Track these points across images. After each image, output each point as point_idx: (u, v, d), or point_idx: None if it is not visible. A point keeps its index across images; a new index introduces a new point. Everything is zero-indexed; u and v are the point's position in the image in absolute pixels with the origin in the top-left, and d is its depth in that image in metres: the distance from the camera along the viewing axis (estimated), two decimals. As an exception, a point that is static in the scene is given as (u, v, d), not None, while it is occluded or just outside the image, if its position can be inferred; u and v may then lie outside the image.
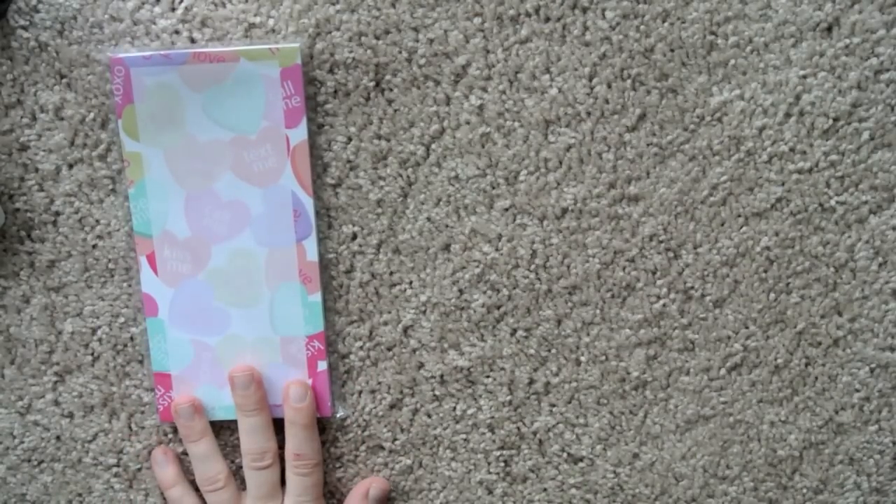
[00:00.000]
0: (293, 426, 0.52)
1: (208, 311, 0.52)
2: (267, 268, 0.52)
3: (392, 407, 0.55)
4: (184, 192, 0.51)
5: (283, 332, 0.53)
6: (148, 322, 0.53)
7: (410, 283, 0.53)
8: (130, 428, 0.55)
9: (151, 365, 0.53)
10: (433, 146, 0.51)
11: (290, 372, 0.53)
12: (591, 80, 0.51)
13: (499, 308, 0.53)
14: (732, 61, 0.50)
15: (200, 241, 0.52)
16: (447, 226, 0.52)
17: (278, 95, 0.50)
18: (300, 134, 0.50)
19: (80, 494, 0.56)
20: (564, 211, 0.52)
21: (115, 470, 0.56)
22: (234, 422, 0.54)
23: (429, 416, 0.55)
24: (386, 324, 0.54)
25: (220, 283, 0.52)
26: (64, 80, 0.51)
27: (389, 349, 0.54)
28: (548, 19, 0.50)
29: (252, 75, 0.49)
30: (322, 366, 0.53)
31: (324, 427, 0.55)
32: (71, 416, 0.55)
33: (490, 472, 0.56)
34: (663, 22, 0.50)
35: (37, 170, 0.52)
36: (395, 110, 0.51)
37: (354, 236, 0.52)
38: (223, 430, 0.55)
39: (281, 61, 0.49)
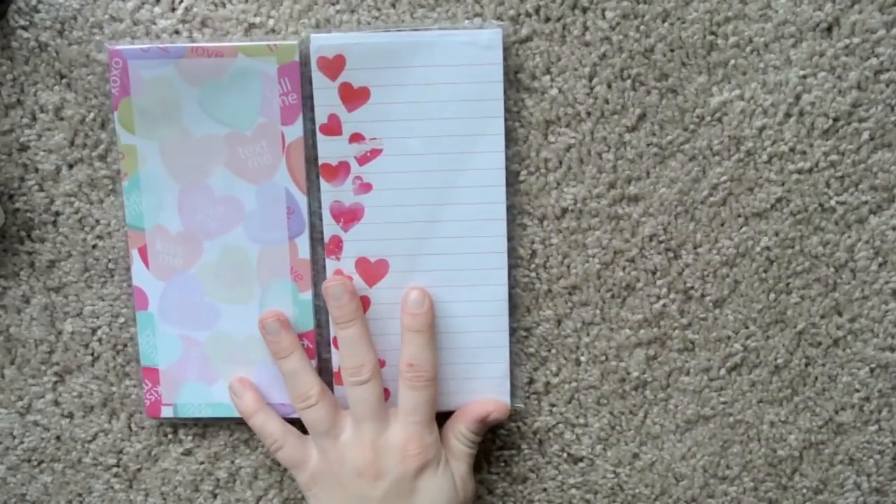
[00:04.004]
0: (409, 333, 0.50)
1: (198, 306, 0.52)
2: (258, 264, 0.52)
3: (392, 407, 0.55)
4: (177, 186, 0.51)
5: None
6: (137, 316, 0.53)
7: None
8: (130, 428, 0.55)
9: (140, 358, 0.53)
10: (433, 146, 0.51)
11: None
12: (591, 80, 0.51)
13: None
14: (732, 61, 0.50)
15: (192, 236, 0.52)
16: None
17: (275, 92, 0.50)
18: (296, 131, 0.50)
19: (80, 494, 0.56)
20: (564, 211, 0.52)
21: (115, 470, 0.56)
22: (234, 421, 0.54)
23: (428, 416, 0.55)
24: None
25: (211, 279, 0.52)
26: (64, 80, 0.51)
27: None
28: (548, 19, 0.50)
29: (249, 71, 0.50)
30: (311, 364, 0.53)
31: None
32: (71, 416, 0.55)
33: (490, 472, 0.56)
34: (663, 22, 0.50)
35: (37, 170, 0.52)
36: (395, 110, 0.51)
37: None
38: (223, 431, 0.55)
39: (279, 58, 0.49)
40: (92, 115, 0.51)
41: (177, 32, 0.50)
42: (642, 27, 0.50)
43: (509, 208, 0.51)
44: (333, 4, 0.50)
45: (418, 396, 0.49)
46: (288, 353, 0.51)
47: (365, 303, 0.52)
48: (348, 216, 0.52)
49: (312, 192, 0.52)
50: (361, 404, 0.49)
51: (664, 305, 0.53)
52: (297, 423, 0.52)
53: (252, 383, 0.53)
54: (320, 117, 0.50)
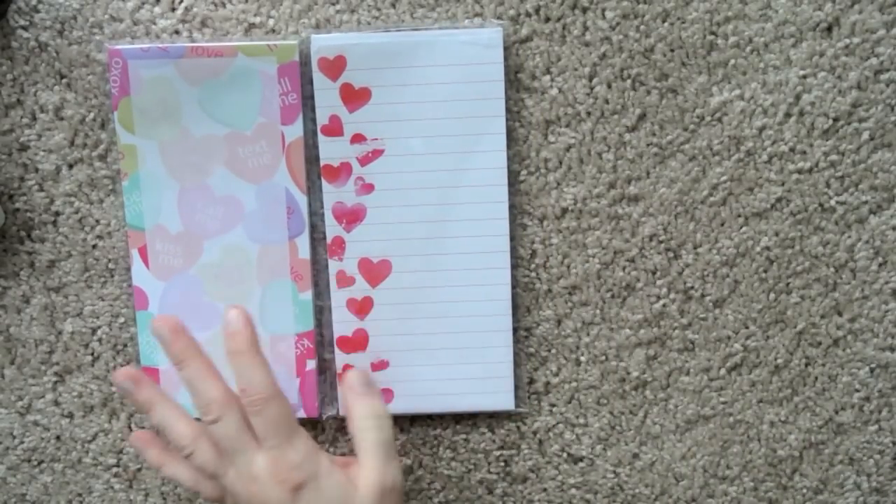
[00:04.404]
0: (232, 357, 0.46)
1: (198, 306, 0.52)
2: (258, 264, 0.52)
3: (392, 407, 0.55)
4: (177, 186, 0.51)
5: (273, 329, 0.53)
6: (137, 316, 0.53)
7: (410, 283, 0.53)
8: (130, 428, 0.55)
9: (140, 359, 0.53)
10: (433, 146, 0.51)
11: (279, 370, 0.53)
12: (591, 80, 0.51)
13: (499, 308, 0.53)
14: (732, 61, 0.50)
15: (192, 236, 0.52)
16: (447, 226, 0.52)
17: (275, 92, 0.50)
18: (296, 131, 0.50)
19: (80, 494, 0.56)
20: (564, 211, 0.52)
21: (115, 470, 0.56)
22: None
23: (429, 416, 0.55)
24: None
25: (211, 279, 0.52)
26: (64, 80, 0.51)
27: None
28: (548, 19, 0.50)
29: (249, 71, 0.50)
30: (311, 365, 0.53)
31: (323, 427, 0.55)
32: (71, 416, 0.55)
33: (490, 472, 0.56)
34: (663, 22, 0.50)
35: (37, 170, 0.52)
36: (395, 110, 0.51)
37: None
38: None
39: (279, 58, 0.49)
40: (92, 115, 0.51)
41: (177, 32, 0.50)
42: (642, 27, 0.50)
43: (509, 208, 0.51)
44: (333, 4, 0.50)
45: (266, 419, 0.45)
46: (184, 361, 0.47)
47: (368, 304, 0.52)
48: (350, 217, 0.52)
49: (313, 191, 0.52)
50: (223, 441, 0.46)
51: (664, 305, 0.53)
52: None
53: (156, 440, 0.51)
54: (321, 118, 0.50)
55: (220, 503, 0.49)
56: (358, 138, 0.51)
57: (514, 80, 0.50)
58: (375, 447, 0.47)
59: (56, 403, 0.55)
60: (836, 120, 0.51)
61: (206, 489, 0.48)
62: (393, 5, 0.50)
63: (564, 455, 0.55)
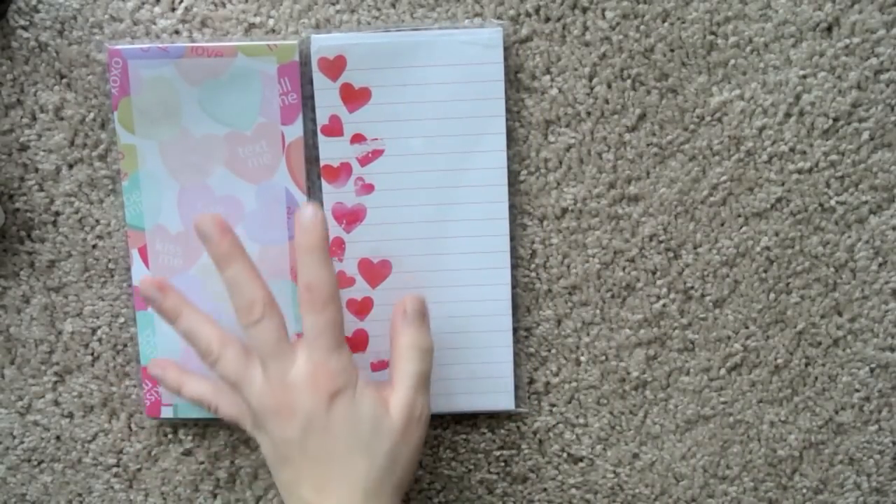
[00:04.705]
0: (303, 254, 0.45)
1: (199, 306, 0.52)
2: (258, 264, 0.51)
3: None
4: (177, 186, 0.51)
5: None
6: (138, 316, 0.53)
7: (410, 283, 0.53)
8: (130, 428, 0.55)
9: (140, 359, 0.53)
10: (433, 146, 0.51)
11: None
12: (591, 80, 0.51)
13: (499, 308, 0.53)
14: (732, 61, 0.50)
15: (192, 236, 0.51)
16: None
17: (275, 92, 0.50)
18: (296, 131, 0.50)
19: (80, 494, 0.56)
20: (564, 211, 0.52)
21: (115, 470, 0.56)
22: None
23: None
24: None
25: (211, 279, 0.52)
26: (64, 80, 0.51)
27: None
28: (548, 19, 0.50)
29: (249, 71, 0.50)
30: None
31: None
32: (71, 416, 0.55)
33: (490, 472, 0.56)
34: (663, 22, 0.50)
35: (37, 170, 0.52)
36: (395, 110, 0.51)
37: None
38: (223, 431, 0.55)
39: (279, 58, 0.49)
40: (92, 115, 0.51)
41: (177, 32, 0.50)
42: (642, 27, 0.50)
43: (509, 208, 0.51)
44: (333, 4, 0.50)
45: (321, 320, 0.44)
46: (229, 262, 0.45)
47: (368, 304, 0.52)
48: (350, 217, 0.52)
49: (313, 192, 0.52)
50: (261, 345, 0.45)
51: (664, 305, 0.53)
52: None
53: (168, 361, 0.51)
54: (321, 118, 0.50)
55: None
56: (358, 138, 0.51)
57: (514, 80, 0.50)
58: (412, 377, 0.47)
59: (56, 403, 0.55)
60: (836, 120, 0.51)
61: (224, 405, 0.48)
62: (393, 5, 0.50)
63: (564, 455, 0.55)
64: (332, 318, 0.45)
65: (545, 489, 0.56)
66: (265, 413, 0.45)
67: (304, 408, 0.44)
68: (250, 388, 0.45)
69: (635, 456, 0.55)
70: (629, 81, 0.51)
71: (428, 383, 0.47)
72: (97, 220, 0.52)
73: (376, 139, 0.51)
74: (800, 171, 0.52)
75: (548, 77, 0.51)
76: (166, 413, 0.54)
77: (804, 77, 0.50)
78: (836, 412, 0.55)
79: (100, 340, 0.54)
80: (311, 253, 0.45)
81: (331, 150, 0.51)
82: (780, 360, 0.54)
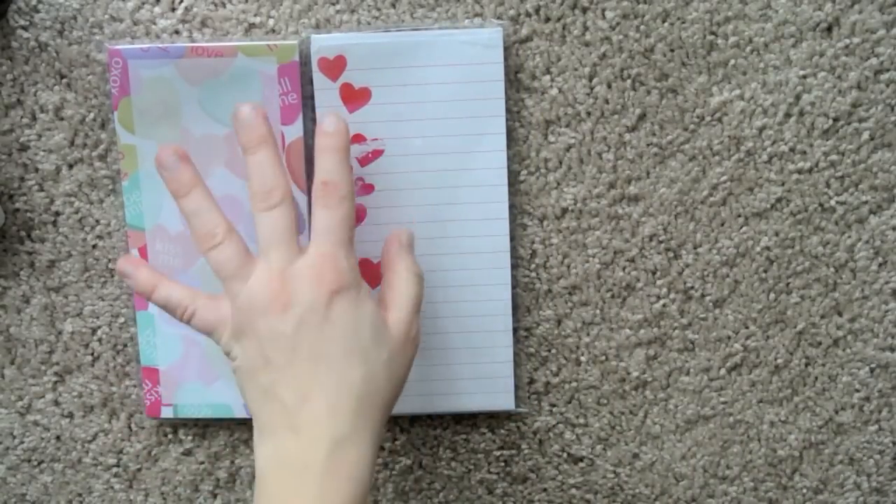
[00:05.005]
0: (323, 154, 0.44)
1: None
2: None
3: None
4: None
5: None
6: (138, 316, 0.53)
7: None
8: (130, 428, 0.55)
9: (140, 358, 0.53)
10: (433, 146, 0.51)
11: None
12: (591, 80, 0.51)
13: (499, 308, 0.53)
14: (732, 61, 0.50)
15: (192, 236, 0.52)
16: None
17: (275, 92, 0.50)
18: (296, 131, 0.50)
19: (80, 494, 0.56)
20: (564, 211, 0.52)
21: (115, 470, 0.56)
22: (234, 421, 0.55)
23: (429, 416, 0.55)
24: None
25: (210, 279, 0.52)
26: (64, 80, 0.51)
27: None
28: (548, 19, 0.50)
29: (249, 71, 0.50)
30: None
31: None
32: (71, 416, 0.55)
33: (490, 472, 0.56)
34: (663, 22, 0.50)
35: (37, 170, 0.52)
36: (395, 110, 0.51)
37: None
38: (223, 430, 0.55)
39: (279, 58, 0.49)
40: (92, 115, 0.51)
41: (177, 32, 0.50)
42: (642, 27, 0.50)
43: (509, 208, 0.51)
44: (333, 4, 0.50)
45: (333, 215, 0.43)
46: (188, 190, 0.45)
47: None
48: (349, 216, 0.51)
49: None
50: (270, 231, 0.43)
51: (664, 305, 0.53)
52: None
53: (142, 260, 0.50)
54: (321, 118, 0.50)
55: (209, 331, 0.45)
56: (358, 138, 0.51)
57: (514, 80, 0.50)
58: (410, 299, 0.46)
59: (56, 403, 0.55)
60: (836, 120, 0.51)
61: (201, 310, 0.45)
62: (393, 5, 0.50)
63: (564, 455, 0.55)
64: (347, 214, 0.44)
65: (545, 489, 0.56)
66: (254, 309, 0.43)
67: (302, 300, 0.42)
68: (242, 282, 0.43)
69: (635, 456, 0.55)
70: (629, 81, 0.51)
71: (420, 308, 0.47)
72: (97, 220, 0.52)
73: (376, 139, 0.51)
74: (800, 171, 0.52)
75: (548, 77, 0.51)
76: (166, 413, 0.54)
77: (804, 77, 0.50)
78: (836, 412, 0.55)
79: (100, 340, 0.54)
80: (333, 153, 0.44)
81: (331, 150, 0.51)
82: (780, 360, 0.54)
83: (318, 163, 0.44)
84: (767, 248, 0.53)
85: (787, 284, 0.53)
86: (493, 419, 0.55)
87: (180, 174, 0.45)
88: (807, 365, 0.54)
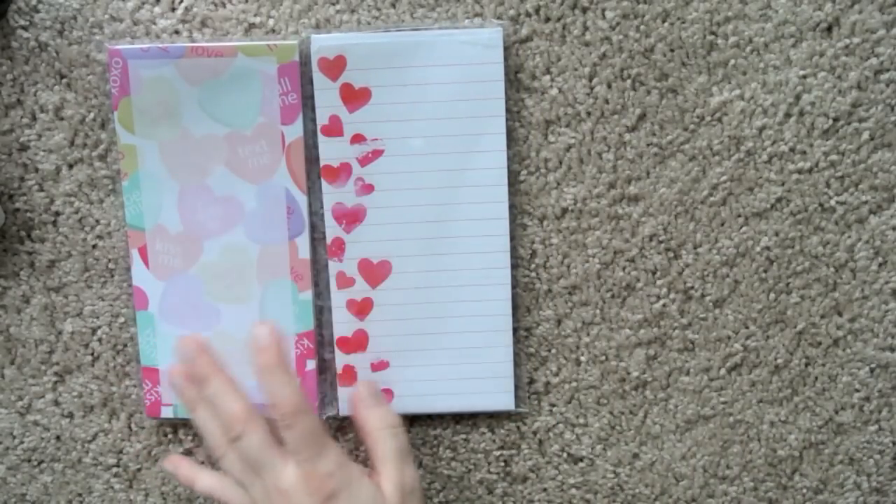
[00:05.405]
0: (261, 372, 0.46)
1: (198, 306, 0.52)
2: (258, 264, 0.52)
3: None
4: (177, 186, 0.51)
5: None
6: (138, 316, 0.53)
7: (410, 283, 0.53)
8: (130, 428, 0.55)
9: (140, 358, 0.53)
10: (433, 146, 0.51)
11: None
12: (591, 80, 0.51)
13: (499, 308, 0.53)
14: (732, 61, 0.50)
15: (192, 236, 0.52)
16: (447, 226, 0.52)
17: (275, 92, 0.50)
18: (296, 131, 0.50)
19: (80, 494, 0.56)
20: (564, 211, 0.52)
21: (115, 470, 0.56)
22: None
23: (429, 416, 0.55)
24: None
25: (210, 279, 0.52)
26: (64, 80, 0.51)
27: (389, 349, 0.54)
28: (548, 19, 0.50)
29: (249, 71, 0.50)
30: (311, 364, 0.53)
31: (324, 427, 0.55)
32: (71, 416, 0.55)
33: (490, 472, 0.56)
34: (663, 22, 0.50)
35: (37, 170, 0.52)
36: (395, 110, 0.51)
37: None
38: (223, 430, 0.55)
39: (279, 58, 0.49)
40: (92, 115, 0.51)
41: (177, 32, 0.50)
42: (642, 27, 0.50)
43: (509, 208, 0.51)
44: (333, 4, 0.50)
45: (296, 434, 0.45)
46: (209, 378, 0.48)
47: (368, 304, 0.52)
48: (350, 218, 0.52)
49: (313, 191, 0.52)
50: (249, 456, 0.46)
51: (664, 305, 0.53)
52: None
53: (181, 457, 0.53)
54: (321, 118, 0.50)
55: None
56: (358, 138, 0.51)
57: (514, 80, 0.50)
58: (393, 453, 0.48)
59: (56, 403, 0.55)
60: (836, 120, 0.51)
61: (235, 498, 0.48)
62: (393, 5, 0.50)
63: (564, 455, 0.55)
64: (307, 426, 0.46)
65: (545, 489, 0.56)
66: None
67: None
68: (252, 489, 0.47)
69: (635, 456, 0.55)
70: (629, 81, 0.51)
71: (409, 454, 0.49)
72: (97, 220, 0.52)
73: (376, 139, 0.51)
74: (800, 171, 0.52)
75: (548, 77, 0.51)
76: (166, 413, 0.54)
77: (804, 77, 0.50)
78: (836, 412, 0.55)
79: (100, 340, 0.54)
80: (270, 372, 0.46)
81: (331, 150, 0.51)
82: (780, 360, 0.54)
83: (260, 382, 0.46)
84: (767, 248, 0.53)
85: (787, 284, 0.53)
86: (493, 419, 0.55)
87: (198, 364, 0.48)
88: (807, 365, 0.54)
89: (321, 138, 0.51)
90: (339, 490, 0.45)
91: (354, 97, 0.50)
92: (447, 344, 0.53)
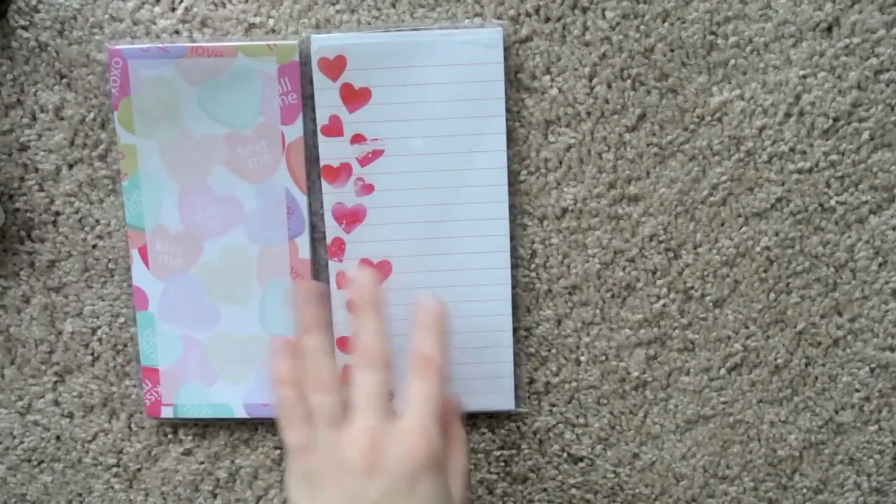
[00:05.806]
0: (424, 328, 0.45)
1: (199, 306, 0.52)
2: (258, 264, 0.52)
3: (392, 407, 0.55)
4: (177, 186, 0.51)
5: (273, 329, 0.53)
6: (138, 316, 0.53)
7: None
8: (130, 428, 0.55)
9: (140, 358, 0.53)
10: (433, 146, 0.51)
11: None
12: (591, 80, 0.51)
13: (499, 308, 0.53)
14: (732, 61, 0.50)
15: (192, 236, 0.52)
16: (447, 226, 0.52)
17: (275, 92, 0.50)
18: (296, 131, 0.50)
19: (80, 494, 0.56)
20: (564, 211, 0.52)
21: (115, 470, 0.56)
22: (234, 421, 0.54)
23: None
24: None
25: (211, 279, 0.52)
26: (64, 80, 0.51)
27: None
28: (548, 19, 0.50)
29: (249, 71, 0.50)
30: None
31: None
32: (71, 416, 0.55)
33: (490, 472, 0.56)
34: (663, 22, 0.50)
35: (37, 170, 0.52)
36: (395, 110, 0.51)
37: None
38: (223, 431, 0.55)
39: (279, 58, 0.49)
40: (92, 115, 0.51)
41: (177, 32, 0.50)
42: (642, 27, 0.50)
43: (509, 208, 0.51)
44: (333, 4, 0.50)
45: (429, 389, 0.44)
46: (311, 330, 0.45)
47: None
48: (350, 218, 0.52)
49: (313, 191, 0.52)
50: (367, 391, 0.43)
51: (664, 305, 0.53)
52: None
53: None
54: (321, 118, 0.50)
55: (300, 449, 0.45)
56: (358, 138, 0.51)
57: (514, 80, 0.50)
58: (466, 471, 0.47)
59: (56, 403, 0.55)
60: (836, 120, 0.51)
61: (289, 429, 0.45)
62: (393, 5, 0.50)
63: (564, 455, 0.55)
64: (440, 390, 0.44)
65: (545, 489, 0.56)
66: (342, 464, 0.42)
67: (392, 468, 0.42)
68: (334, 431, 0.44)
69: (635, 456, 0.55)
70: (629, 81, 0.51)
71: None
72: (97, 220, 0.52)
73: (376, 139, 0.51)
74: (800, 171, 0.52)
75: (548, 77, 0.51)
76: (166, 413, 0.54)
77: (804, 77, 0.50)
78: (836, 412, 0.55)
79: (100, 340, 0.54)
80: (436, 334, 0.45)
81: (331, 150, 0.51)
82: (780, 360, 0.54)
83: (419, 337, 0.45)
84: (767, 248, 0.53)
85: (787, 284, 0.53)
86: (493, 419, 0.55)
87: (309, 313, 0.46)
88: (807, 365, 0.54)
89: (321, 138, 0.51)
90: (434, 467, 0.43)
91: (354, 97, 0.50)
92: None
